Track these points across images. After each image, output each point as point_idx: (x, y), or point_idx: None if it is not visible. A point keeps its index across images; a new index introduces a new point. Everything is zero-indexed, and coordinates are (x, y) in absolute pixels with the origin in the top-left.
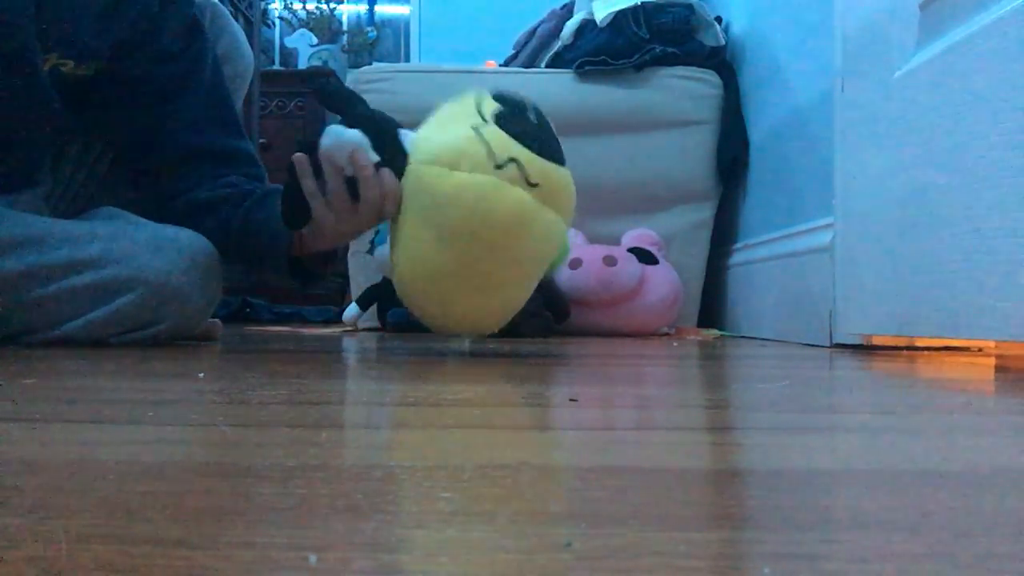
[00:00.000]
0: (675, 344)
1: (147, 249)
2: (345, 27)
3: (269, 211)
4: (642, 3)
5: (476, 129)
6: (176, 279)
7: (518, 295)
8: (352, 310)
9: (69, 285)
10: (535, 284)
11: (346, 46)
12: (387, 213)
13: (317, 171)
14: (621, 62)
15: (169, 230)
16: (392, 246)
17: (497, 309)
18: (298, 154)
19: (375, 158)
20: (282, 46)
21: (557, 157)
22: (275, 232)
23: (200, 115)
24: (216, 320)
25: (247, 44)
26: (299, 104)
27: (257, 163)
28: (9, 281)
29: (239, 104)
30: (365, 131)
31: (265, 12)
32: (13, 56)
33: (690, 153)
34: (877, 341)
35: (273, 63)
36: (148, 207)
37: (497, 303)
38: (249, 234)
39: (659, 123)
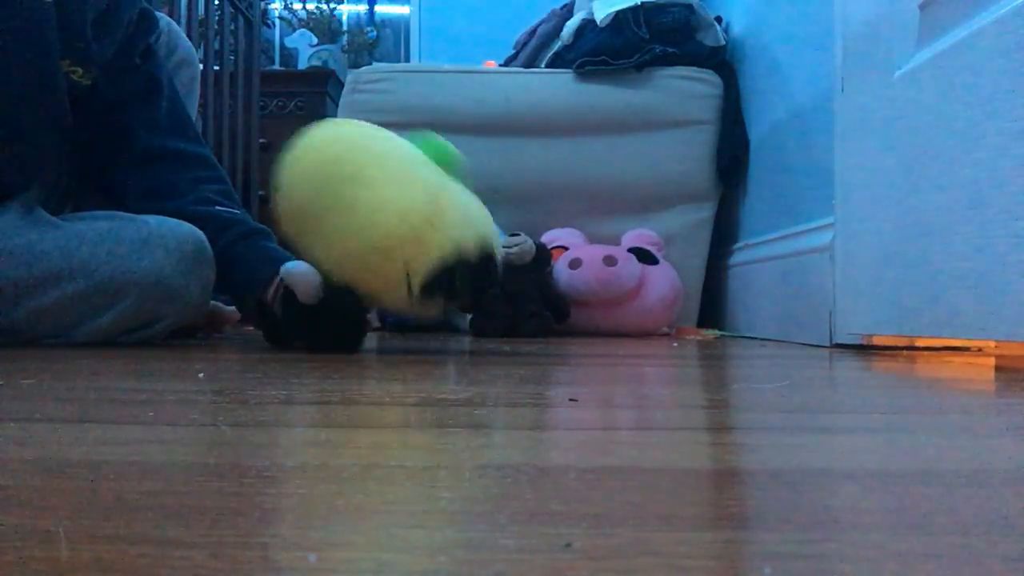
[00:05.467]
0: (675, 344)
1: (134, 248)
2: (345, 27)
3: (249, 254)
4: (642, 3)
5: None
6: (169, 278)
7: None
8: None
9: (63, 294)
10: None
11: (346, 46)
12: None
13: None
14: (621, 62)
15: (152, 223)
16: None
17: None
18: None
19: None
20: (282, 46)
21: None
22: (249, 279)
23: (160, 121)
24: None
25: (194, 55)
26: (299, 104)
27: (215, 166)
28: (4, 294)
29: (194, 108)
30: None
31: (265, 12)
32: (40, 59)
33: (690, 153)
34: (877, 341)
35: (273, 63)
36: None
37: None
38: (225, 268)
39: (659, 123)
